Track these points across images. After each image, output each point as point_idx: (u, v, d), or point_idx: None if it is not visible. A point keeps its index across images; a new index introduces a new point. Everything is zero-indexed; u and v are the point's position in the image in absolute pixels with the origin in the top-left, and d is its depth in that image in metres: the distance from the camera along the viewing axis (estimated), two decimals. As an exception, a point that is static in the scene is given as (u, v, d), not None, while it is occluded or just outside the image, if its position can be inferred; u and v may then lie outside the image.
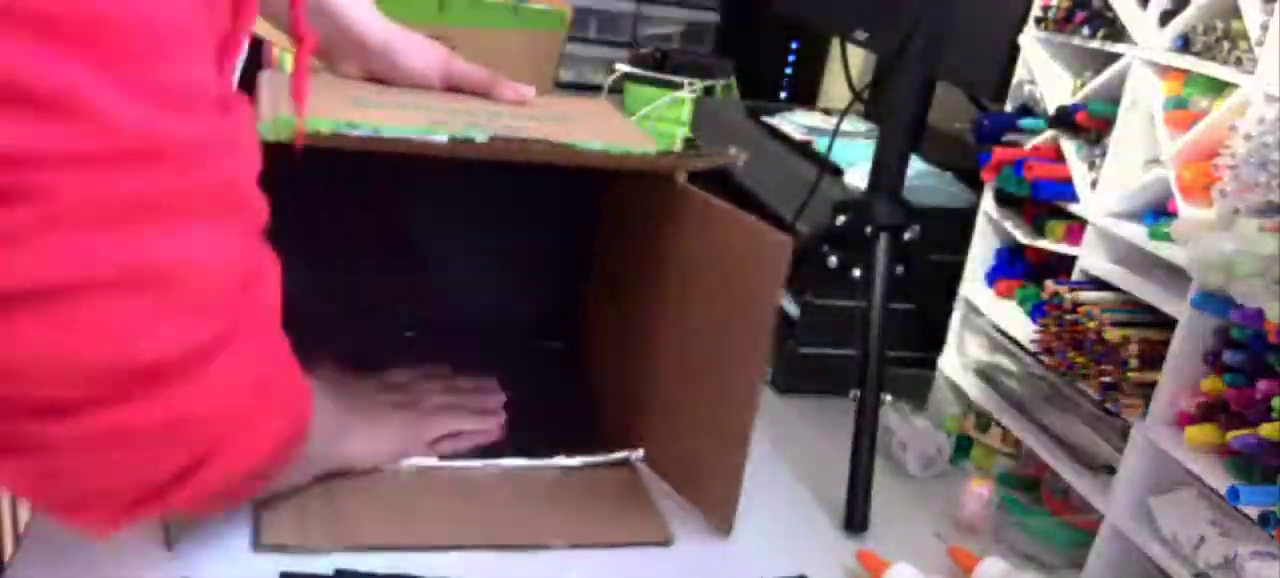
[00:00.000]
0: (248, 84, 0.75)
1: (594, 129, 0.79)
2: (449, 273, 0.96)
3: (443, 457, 0.76)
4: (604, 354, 0.92)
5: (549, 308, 0.99)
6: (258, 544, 0.65)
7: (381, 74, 0.83)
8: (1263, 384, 0.61)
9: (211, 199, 0.44)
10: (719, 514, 0.75)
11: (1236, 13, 0.66)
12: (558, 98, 0.96)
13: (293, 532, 0.66)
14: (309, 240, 0.86)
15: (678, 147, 1.37)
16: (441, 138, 0.65)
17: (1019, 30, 0.84)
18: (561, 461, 0.78)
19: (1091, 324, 0.72)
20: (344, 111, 0.70)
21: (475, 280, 0.97)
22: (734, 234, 0.71)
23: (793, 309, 1.00)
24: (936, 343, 0.95)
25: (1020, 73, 0.86)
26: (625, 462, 0.80)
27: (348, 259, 0.92)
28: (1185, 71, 0.71)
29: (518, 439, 0.80)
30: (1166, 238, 0.70)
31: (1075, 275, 0.78)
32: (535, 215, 0.96)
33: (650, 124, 1.44)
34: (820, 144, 1.09)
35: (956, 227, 0.92)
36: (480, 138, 0.66)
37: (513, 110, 0.81)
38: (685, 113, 1.38)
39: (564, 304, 0.98)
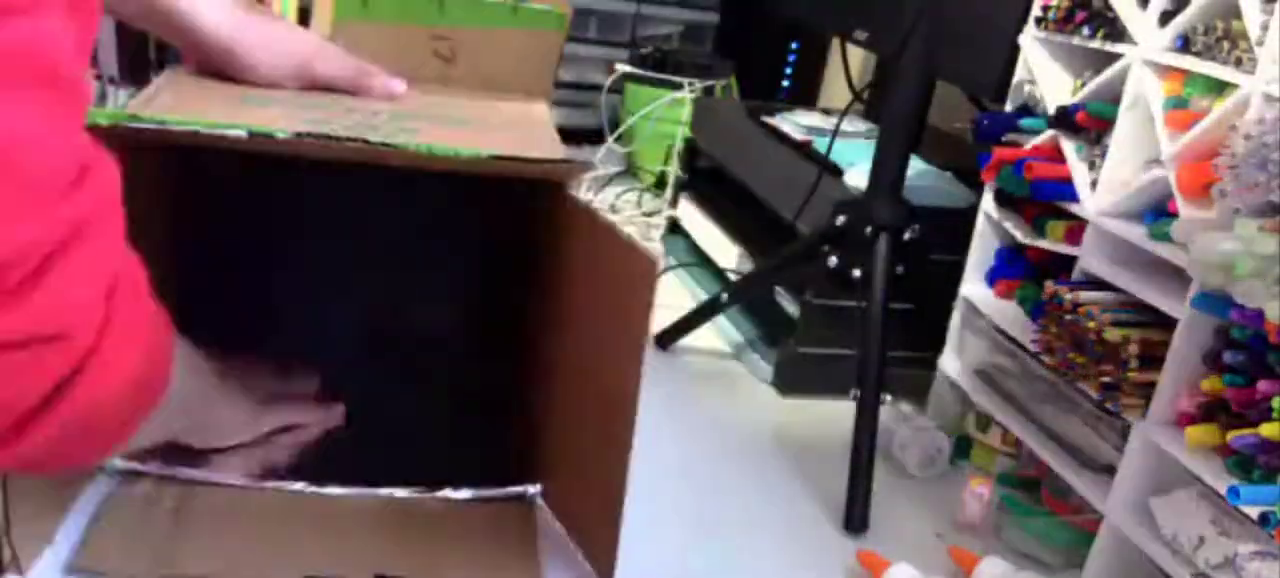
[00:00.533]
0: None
1: (471, 135, 0.72)
2: (401, 289, 0.91)
3: (283, 459, 0.73)
4: (520, 380, 0.83)
5: (500, 330, 0.90)
6: (71, 566, 0.59)
7: (230, 74, 0.76)
8: (1263, 384, 0.61)
9: (8, 62, 0.38)
10: (600, 561, 0.66)
11: (1236, 13, 0.66)
12: (488, 101, 0.87)
13: (118, 552, 0.60)
14: (261, 257, 0.87)
15: (679, 146, 1.37)
16: (240, 133, 0.58)
17: (1019, 30, 0.84)
18: (448, 493, 0.72)
19: (1091, 324, 0.72)
20: (218, 112, 0.65)
21: (424, 298, 0.91)
22: (608, 253, 0.63)
23: (793, 309, 1.01)
24: (936, 343, 0.95)
25: (1020, 73, 0.86)
26: (521, 498, 0.73)
27: (300, 279, 0.89)
28: (1185, 71, 0.71)
29: (416, 463, 0.73)
30: (1166, 238, 0.70)
31: (1075, 275, 0.78)
32: (487, 234, 0.91)
33: (650, 124, 1.44)
34: (820, 144, 1.09)
35: (956, 227, 0.92)
36: (282, 134, 0.59)
37: (403, 110, 0.74)
38: (685, 113, 1.38)
39: (512, 325, 0.88)
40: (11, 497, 0.58)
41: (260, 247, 0.88)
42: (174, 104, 0.67)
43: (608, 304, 0.64)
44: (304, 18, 1.32)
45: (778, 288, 1.03)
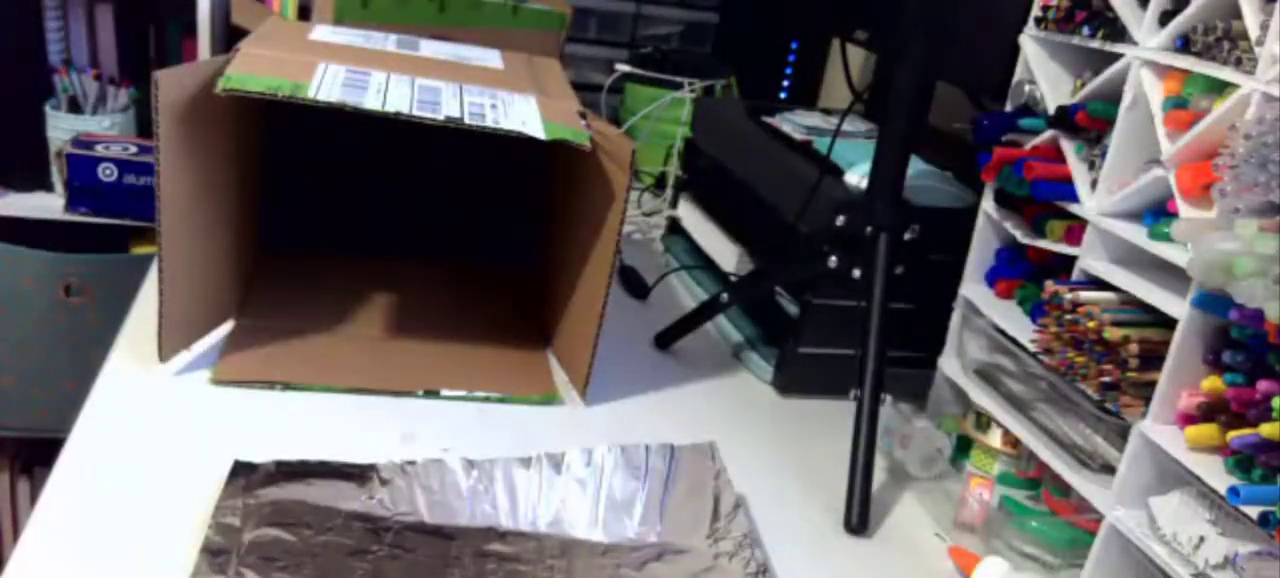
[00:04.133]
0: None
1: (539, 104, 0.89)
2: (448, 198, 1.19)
3: None
4: (540, 268, 1.10)
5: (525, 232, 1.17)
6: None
7: None
8: (1263, 384, 0.61)
9: None
10: (577, 379, 0.93)
11: (1236, 13, 0.66)
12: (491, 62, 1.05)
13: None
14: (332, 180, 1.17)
15: (679, 146, 1.37)
16: (374, 107, 0.77)
17: (1019, 30, 0.84)
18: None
19: (1091, 324, 0.72)
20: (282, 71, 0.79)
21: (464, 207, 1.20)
22: (592, 168, 0.87)
23: (793, 309, 1.00)
24: (936, 343, 0.95)
25: (1020, 73, 0.86)
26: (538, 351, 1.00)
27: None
28: (1185, 71, 0.71)
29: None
30: (1166, 238, 0.70)
31: (1075, 275, 0.78)
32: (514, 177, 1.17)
33: (650, 124, 1.44)
34: (820, 144, 1.09)
35: (956, 227, 0.92)
36: (392, 111, 0.78)
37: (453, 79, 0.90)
38: (685, 113, 1.38)
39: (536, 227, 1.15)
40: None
41: (331, 161, 1.15)
42: (274, 63, 0.82)
43: (592, 209, 0.89)
44: (304, 16, 1.32)
45: (778, 288, 1.03)
